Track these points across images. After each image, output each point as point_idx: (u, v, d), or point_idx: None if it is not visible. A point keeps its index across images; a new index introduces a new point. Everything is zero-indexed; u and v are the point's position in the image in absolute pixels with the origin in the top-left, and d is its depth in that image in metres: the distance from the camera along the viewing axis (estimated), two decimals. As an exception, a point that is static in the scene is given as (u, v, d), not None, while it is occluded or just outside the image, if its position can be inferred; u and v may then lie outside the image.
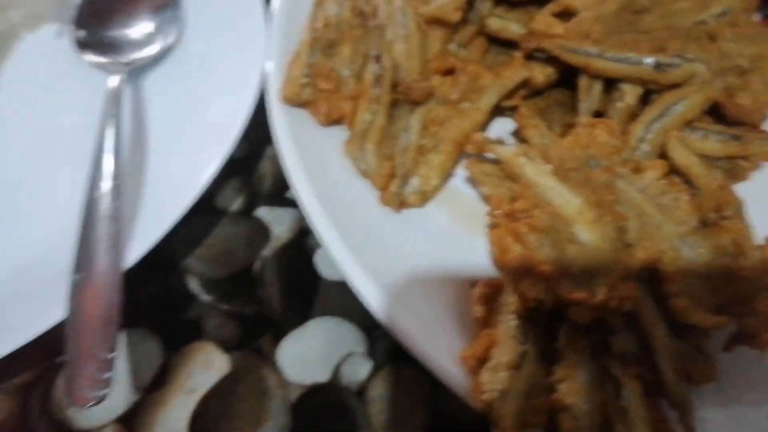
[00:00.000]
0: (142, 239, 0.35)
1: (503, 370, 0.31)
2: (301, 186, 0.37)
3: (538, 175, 0.36)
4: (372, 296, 0.34)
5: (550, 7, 0.43)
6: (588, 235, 0.34)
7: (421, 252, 0.39)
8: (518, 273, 0.33)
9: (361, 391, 0.36)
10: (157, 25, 0.46)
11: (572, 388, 0.31)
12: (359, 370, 0.37)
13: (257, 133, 0.39)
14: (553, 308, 0.33)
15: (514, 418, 0.30)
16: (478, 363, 0.32)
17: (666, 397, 0.33)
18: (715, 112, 0.41)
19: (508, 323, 0.33)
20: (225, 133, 0.39)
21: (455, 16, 0.42)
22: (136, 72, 0.45)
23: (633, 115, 0.40)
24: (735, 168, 0.40)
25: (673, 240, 0.35)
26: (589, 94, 0.41)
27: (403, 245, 0.39)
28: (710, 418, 0.34)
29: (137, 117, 0.43)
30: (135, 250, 0.35)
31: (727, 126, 0.40)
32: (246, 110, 0.40)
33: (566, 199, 0.35)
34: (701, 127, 0.40)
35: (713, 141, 0.40)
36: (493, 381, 0.31)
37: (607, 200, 0.35)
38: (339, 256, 0.35)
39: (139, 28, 0.45)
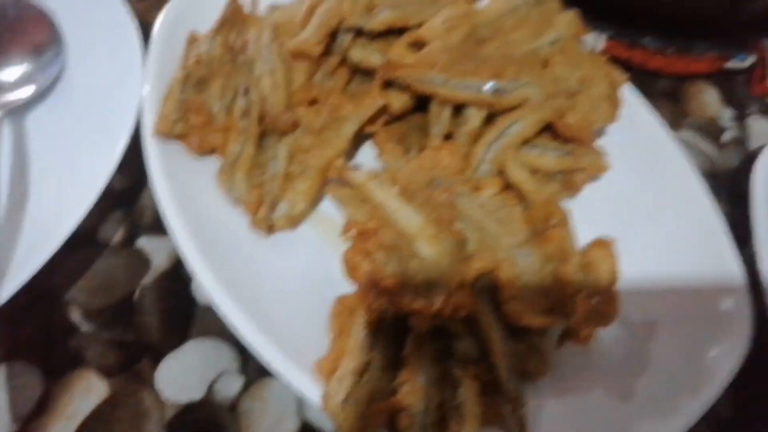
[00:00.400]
0: (16, 275, 0.37)
1: (348, 377, 0.34)
2: (170, 216, 0.40)
3: (385, 197, 0.39)
4: (235, 318, 0.37)
5: (405, 39, 0.46)
6: (428, 250, 0.37)
7: (292, 272, 0.43)
8: (366, 288, 0.37)
9: (233, 405, 0.39)
10: (35, 66, 0.48)
11: (411, 389, 0.35)
12: (232, 386, 0.40)
13: (139, 167, 0.41)
14: (401, 319, 0.37)
15: (353, 422, 0.33)
16: (330, 373, 0.36)
17: (501, 393, 0.37)
18: (554, 131, 0.45)
19: (357, 335, 0.36)
20: (100, 168, 0.42)
21: (317, 50, 0.45)
22: (17, 111, 0.47)
23: (478, 137, 0.44)
24: (570, 180, 0.45)
25: (509, 250, 0.40)
26: (439, 118, 0.45)
27: (273, 267, 0.42)
28: (546, 406, 0.39)
29: (17, 155, 0.45)
30: (9, 286, 0.37)
31: (563, 143, 0.45)
32: (120, 146, 0.42)
33: (409, 218, 0.38)
34: (539, 145, 0.44)
35: (549, 157, 0.44)
36: (338, 389, 0.34)
37: (446, 217, 0.39)
38: (205, 282, 0.38)
39: (14, 70, 0.47)
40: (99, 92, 0.47)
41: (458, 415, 0.35)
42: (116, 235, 0.45)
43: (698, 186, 0.45)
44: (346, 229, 0.39)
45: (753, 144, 0.55)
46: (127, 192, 0.47)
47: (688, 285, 0.42)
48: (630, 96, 0.49)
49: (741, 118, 0.57)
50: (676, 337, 0.40)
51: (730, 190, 0.51)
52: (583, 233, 0.43)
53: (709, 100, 0.58)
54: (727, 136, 0.55)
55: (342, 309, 0.38)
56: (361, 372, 0.35)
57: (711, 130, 0.56)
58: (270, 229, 0.43)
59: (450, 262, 0.37)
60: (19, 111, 0.47)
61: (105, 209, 0.46)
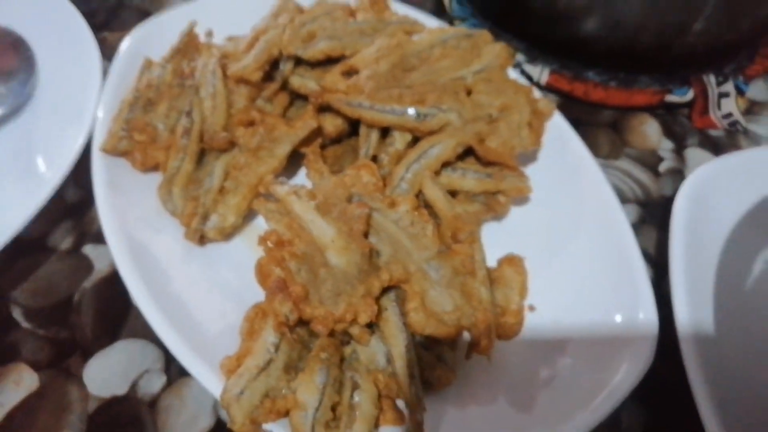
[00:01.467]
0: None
1: (246, 374, 0.37)
2: (107, 224, 0.43)
3: (303, 210, 0.42)
4: (155, 320, 0.39)
5: (339, 67, 0.50)
6: (337, 260, 0.40)
7: (218, 281, 0.45)
8: (273, 293, 0.39)
9: (153, 402, 0.41)
10: (7, 88, 0.53)
11: (306, 389, 0.37)
12: (154, 384, 0.42)
13: (90, 181, 0.45)
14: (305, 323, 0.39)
15: (245, 415, 0.35)
16: (232, 370, 0.38)
17: (402, 398, 0.39)
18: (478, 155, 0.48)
19: (264, 337, 0.39)
20: (48, 180, 0.45)
21: (256, 76, 0.49)
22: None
23: (401, 159, 0.47)
24: (492, 202, 0.47)
25: (420, 263, 0.42)
26: (367, 140, 0.48)
27: (201, 275, 0.45)
28: (447, 414, 0.40)
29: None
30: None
31: (485, 166, 0.47)
32: (69, 160, 0.46)
33: (322, 230, 0.41)
34: (460, 167, 0.47)
35: (470, 179, 0.47)
36: (235, 383, 0.36)
37: (357, 230, 0.41)
38: (131, 286, 0.41)
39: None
40: (61, 113, 0.51)
41: (351, 414, 0.37)
42: (64, 242, 0.49)
43: (618, 213, 0.47)
44: (264, 239, 0.41)
45: (689, 174, 0.56)
46: (79, 204, 0.51)
47: (598, 302, 0.44)
48: (561, 126, 0.52)
49: (680, 149, 0.58)
50: (583, 352, 0.41)
51: (662, 217, 0.53)
52: (501, 251, 0.45)
53: (649, 131, 0.59)
54: (664, 166, 0.57)
55: (255, 313, 0.40)
56: (260, 370, 0.37)
57: (649, 160, 0.57)
58: (201, 240, 0.45)
59: (357, 272, 0.39)
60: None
61: (56, 219, 0.50)
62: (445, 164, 0.46)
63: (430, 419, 0.37)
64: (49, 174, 0.46)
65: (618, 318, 0.42)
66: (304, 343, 0.39)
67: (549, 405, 0.39)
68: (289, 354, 0.38)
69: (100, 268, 0.47)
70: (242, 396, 0.35)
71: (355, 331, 0.39)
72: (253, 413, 0.35)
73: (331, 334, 0.38)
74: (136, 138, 0.47)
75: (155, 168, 0.48)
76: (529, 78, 0.61)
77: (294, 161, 0.49)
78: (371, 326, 0.39)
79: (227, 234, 0.46)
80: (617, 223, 0.46)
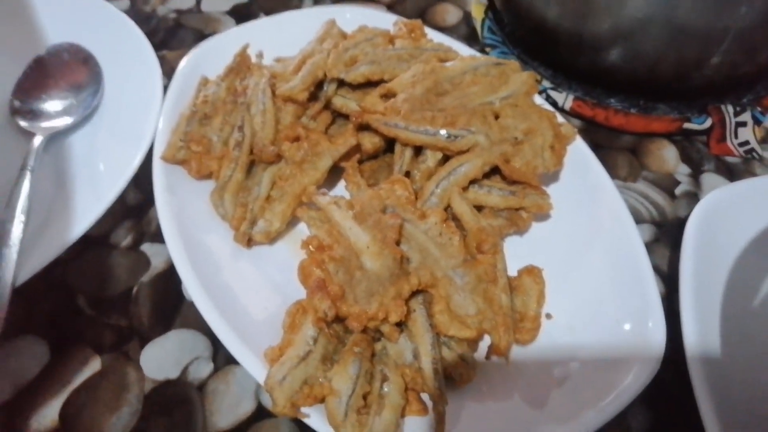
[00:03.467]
0: (35, 263, 0.46)
1: (288, 363, 0.41)
2: (166, 225, 0.48)
3: (341, 218, 0.46)
4: (208, 313, 0.44)
5: (378, 90, 0.55)
6: (371, 264, 0.44)
7: (263, 279, 0.50)
8: (314, 292, 0.43)
9: (202, 386, 0.46)
10: (77, 100, 0.58)
11: (341, 378, 0.41)
12: (203, 369, 0.47)
13: (150, 187, 0.50)
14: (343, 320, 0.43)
15: (286, 398, 0.40)
16: (275, 359, 0.42)
17: (426, 392, 0.43)
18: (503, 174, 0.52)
19: (304, 330, 0.43)
20: (113, 184, 0.51)
21: (302, 96, 0.54)
22: (58, 135, 0.57)
23: (432, 175, 0.51)
24: (515, 217, 0.51)
25: (446, 270, 0.46)
26: (401, 157, 0.52)
27: (248, 274, 0.50)
28: (467, 407, 0.44)
29: (52, 170, 0.55)
30: (27, 270, 0.45)
31: (509, 184, 0.52)
32: (132, 167, 0.51)
33: (358, 236, 0.45)
34: (486, 184, 0.51)
35: (495, 195, 0.51)
36: (278, 371, 0.41)
37: (390, 238, 0.45)
38: (187, 281, 0.46)
39: (59, 103, 0.57)
40: (124, 123, 0.57)
41: (381, 403, 0.41)
42: (125, 240, 0.54)
43: (633, 232, 0.50)
44: (306, 243, 0.46)
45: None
46: (139, 206, 0.56)
47: (611, 312, 0.47)
48: (582, 149, 0.55)
49: (696, 174, 0.61)
50: (595, 357, 0.45)
51: (675, 237, 0.56)
52: (522, 263, 0.49)
53: (667, 156, 0.63)
54: (680, 190, 0.60)
55: (297, 309, 0.45)
56: (300, 360, 0.41)
57: (666, 183, 0.61)
58: (249, 242, 0.50)
59: (389, 275, 0.44)
60: (59, 135, 0.57)
61: (118, 218, 0.55)
62: (473, 181, 0.50)
63: (451, 411, 0.41)
64: (113, 179, 0.51)
65: (628, 326, 0.45)
66: (340, 338, 0.43)
67: (560, 403, 0.43)
68: (326, 347, 0.42)
69: (156, 265, 0.52)
70: (284, 382, 0.40)
71: (385, 329, 0.43)
72: (294, 397, 0.39)
73: (364, 330, 0.43)
74: (193, 148, 0.52)
75: (209, 176, 0.53)
76: (554, 103, 0.65)
77: (334, 174, 0.53)
78: (400, 325, 0.43)
79: (272, 238, 0.50)
80: (631, 240, 0.49)
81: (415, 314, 0.44)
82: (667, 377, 0.43)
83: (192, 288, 0.45)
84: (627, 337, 0.45)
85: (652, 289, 0.46)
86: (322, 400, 0.40)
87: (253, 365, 0.42)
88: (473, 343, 0.46)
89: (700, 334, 0.44)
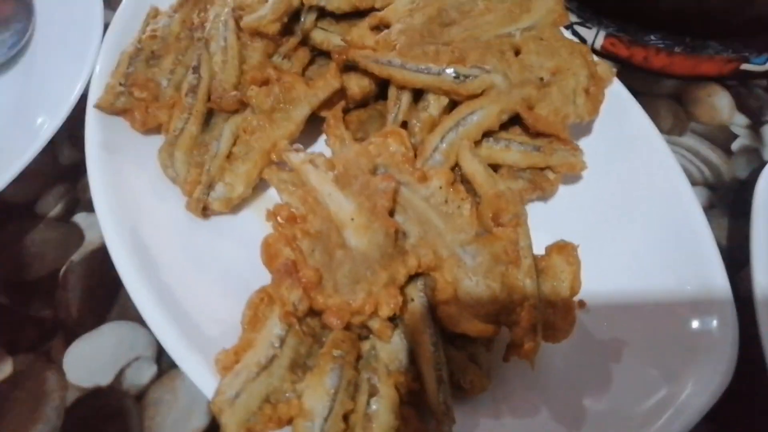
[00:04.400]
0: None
1: (245, 372, 0.31)
2: (96, 190, 0.38)
3: (319, 181, 0.36)
4: (140, 299, 0.34)
5: (368, 20, 0.44)
6: (356, 240, 0.34)
7: (222, 259, 0.40)
8: (281, 277, 0.33)
9: (141, 394, 0.36)
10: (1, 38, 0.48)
11: (315, 393, 0.31)
12: (143, 374, 0.37)
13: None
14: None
15: (238, 423, 0.30)
16: (229, 366, 0.32)
17: (427, 407, 0.33)
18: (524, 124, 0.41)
19: (268, 328, 0.33)
20: (37, 137, 0.40)
21: (273, 28, 0.43)
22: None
23: (435, 126, 0.40)
24: (540, 179, 0.41)
25: (454, 247, 0.36)
26: (397, 104, 0.41)
27: (203, 251, 0.40)
28: (480, 426, 0.34)
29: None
30: None
31: (532, 137, 0.41)
32: (59, 117, 0.41)
33: (340, 205, 0.35)
34: (504, 137, 0.41)
35: (515, 151, 0.40)
36: (231, 383, 0.31)
37: (381, 207, 0.35)
38: (116, 259, 0.36)
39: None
40: (58, 62, 0.46)
41: (367, 426, 0.31)
42: (54, 209, 0.44)
43: (687, 195, 0.40)
44: (272, 213, 0.36)
45: (768, 154, 0.49)
46: (74, 167, 0.46)
47: (663, 302, 0.37)
48: (621, 94, 0.45)
49: (756, 125, 0.51)
50: (643, 361, 0.35)
51: (734, 202, 0.46)
52: (548, 236, 0.38)
53: (719, 104, 0.52)
54: (737, 145, 0.50)
55: (260, 299, 0.35)
56: (262, 368, 0.31)
57: (719, 138, 0.50)
58: (205, 211, 0.40)
59: (380, 255, 0.34)
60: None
61: (47, 182, 0.45)
62: (487, 134, 0.40)
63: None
64: (42, 127, 0.41)
65: (687, 322, 0.36)
66: (315, 337, 0.34)
67: (599, 422, 0.33)
68: (297, 349, 0.33)
69: (91, 239, 0.42)
70: (237, 400, 0.30)
71: (375, 324, 0.33)
72: (250, 421, 0.30)
73: (347, 327, 0.33)
74: (136, 95, 0.42)
75: (156, 129, 0.42)
76: (582, 41, 0.53)
77: (313, 126, 0.43)
78: (394, 320, 0.34)
79: (234, 206, 0.40)
80: (687, 208, 0.40)
81: (413, 305, 0.35)
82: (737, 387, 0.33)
83: (124, 269, 0.35)
84: (686, 334, 0.35)
85: (718, 272, 0.36)
86: (289, 423, 0.30)
87: (200, 374, 0.32)
88: (488, 341, 0.35)
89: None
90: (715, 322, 0.35)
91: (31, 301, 0.39)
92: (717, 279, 0.36)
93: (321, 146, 0.44)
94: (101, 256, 0.41)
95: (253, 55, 0.44)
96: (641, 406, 0.33)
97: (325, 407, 0.30)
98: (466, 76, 0.39)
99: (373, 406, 0.32)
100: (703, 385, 0.33)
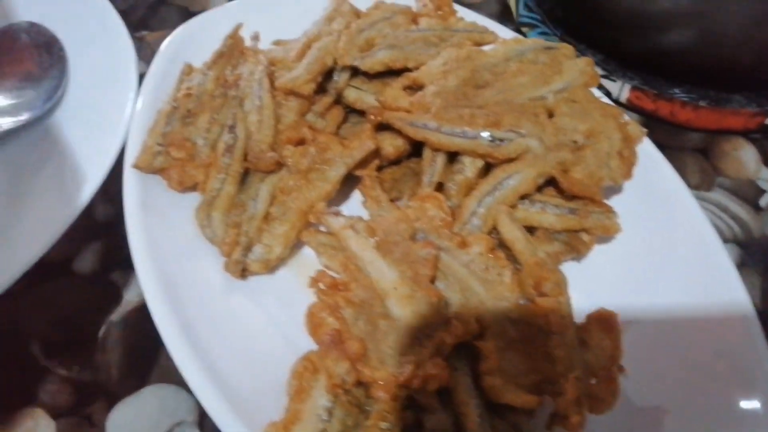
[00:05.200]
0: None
1: (294, 448, 0.31)
2: (136, 249, 0.38)
3: (360, 247, 0.37)
4: (185, 366, 0.34)
5: (401, 81, 0.44)
6: (399, 310, 0.34)
7: (262, 321, 0.40)
8: (328, 348, 0.34)
9: (185, 461, 0.36)
10: (37, 90, 0.48)
11: (364, 468, 0.31)
12: (186, 439, 0.37)
13: (122, 198, 0.40)
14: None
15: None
16: (279, 440, 0.32)
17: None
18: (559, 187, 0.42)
19: (316, 399, 0.33)
20: (76, 196, 0.40)
21: (308, 88, 0.43)
22: (9, 135, 0.46)
23: (471, 189, 0.41)
24: (574, 241, 0.41)
25: (497, 316, 0.36)
26: (431, 166, 0.42)
27: (242, 314, 0.40)
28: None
29: (2, 178, 0.44)
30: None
31: (566, 199, 0.41)
32: (100, 176, 0.41)
33: (383, 273, 0.35)
34: (539, 200, 0.41)
35: (550, 214, 0.41)
36: (283, 459, 0.31)
37: (423, 275, 0.35)
38: (159, 322, 0.36)
39: (13, 93, 0.47)
40: (91, 121, 0.46)
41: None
42: (91, 266, 0.44)
43: (720, 254, 0.40)
44: (315, 280, 0.36)
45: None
46: (109, 223, 0.46)
47: (702, 369, 0.37)
48: (650, 152, 0.45)
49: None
50: (687, 426, 0.35)
51: (766, 259, 0.46)
52: (582, 296, 0.39)
53: (746, 158, 0.53)
54: (766, 200, 0.50)
55: (305, 367, 0.35)
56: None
57: (747, 193, 0.51)
58: (243, 272, 0.40)
59: (425, 325, 0.34)
60: (9, 136, 0.46)
61: (83, 239, 0.45)
62: (522, 196, 0.40)
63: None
64: (77, 190, 0.41)
65: (728, 379, 0.36)
66: (360, 407, 0.33)
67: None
68: (344, 421, 0.33)
69: (129, 299, 0.42)
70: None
71: (422, 397, 0.33)
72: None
73: (393, 398, 0.33)
74: (174, 154, 0.42)
75: (193, 188, 0.43)
76: (608, 95, 0.54)
77: (348, 186, 0.43)
78: (439, 391, 0.33)
79: (271, 266, 0.40)
80: (720, 266, 0.40)
81: (457, 374, 0.34)
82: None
83: (166, 332, 0.35)
84: (730, 401, 0.35)
85: (756, 333, 0.36)
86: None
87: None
88: (531, 410, 0.35)
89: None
90: (758, 400, 0.35)
91: (71, 362, 0.39)
92: (758, 344, 0.36)
93: (355, 206, 0.44)
94: (140, 315, 0.41)
95: (287, 114, 0.44)
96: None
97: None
98: (502, 140, 0.40)
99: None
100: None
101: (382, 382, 0.32)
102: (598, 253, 0.43)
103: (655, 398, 0.36)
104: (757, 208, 0.50)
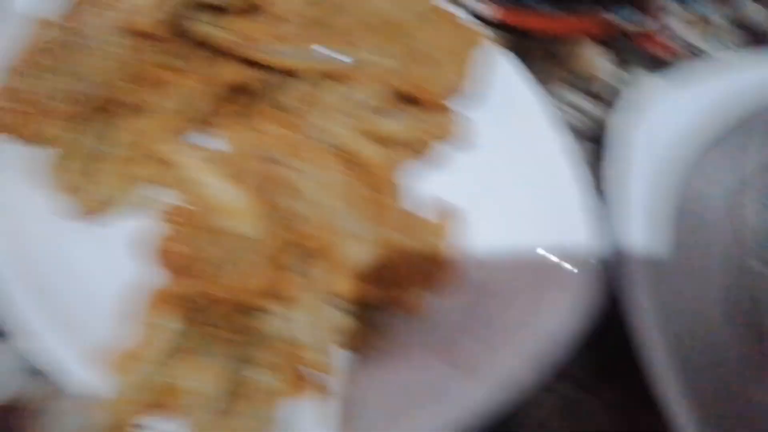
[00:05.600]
0: None
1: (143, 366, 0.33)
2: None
3: (207, 174, 0.38)
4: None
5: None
6: (249, 229, 0.36)
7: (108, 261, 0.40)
8: (180, 274, 0.35)
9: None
10: None
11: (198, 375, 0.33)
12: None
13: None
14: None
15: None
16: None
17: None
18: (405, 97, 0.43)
19: (168, 324, 0.35)
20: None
21: (158, 27, 0.43)
22: None
23: (321, 106, 0.42)
24: (418, 145, 0.43)
25: (345, 224, 0.38)
26: (281, 87, 0.43)
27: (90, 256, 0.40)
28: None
29: None
30: None
31: (413, 106, 0.43)
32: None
33: (232, 195, 0.37)
34: (382, 110, 0.43)
35: (393, 122, 0.42)
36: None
37: (268, 189, 0.37)
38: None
39: None
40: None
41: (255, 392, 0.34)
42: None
43: (562, 157, 0.44)
44: (166, 213, 0.37)
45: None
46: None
47: (532, 254, 0.41)
48: (502, 59, 0.47)
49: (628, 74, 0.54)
50: (514, 305, 0.39)
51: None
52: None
53: (593, 57, 0.55)
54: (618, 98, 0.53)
55: (157, 297, 0.36)
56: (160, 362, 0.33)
57: (602, 92, 0.54)
58: (91, 212, 0.41)
59: (273, 240, 0.36)
60: None
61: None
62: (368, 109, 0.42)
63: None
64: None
65: (555, 266, 0.40)
66: (212, 325, 0.35)
67: (481, 358, 0.37)
68: (198, 341, 0.35)
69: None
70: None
71: (270, 305, 0.35)
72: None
73: (243, 310, 0.35)
74: (19, 108, 0.42)
75: (43, 142, 0.42)
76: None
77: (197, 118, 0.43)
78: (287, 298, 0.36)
79: (117, 206, 0.41)
80: (561, 168, 0.44)
81: (309, 282, 0.36)
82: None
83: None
84: (552, 280, 0.39)
85: (583, 228, 0.40)
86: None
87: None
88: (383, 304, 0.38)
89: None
90: (577, 272, 0.39)
91: None
92: (583, 235, 0.41)
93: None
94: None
95: (133, 54, 0.44)
96: (514, 335, 0.37)
97: (208, 387, 0.33)
98: (354, 59, 0.41)
99: (257, 377, 0.34)
100: (561, 323, 0.37)
101: (232, 294, 0.34)
102: (455, 159, 0.45)
103: (487, 282, 0.40)
104: (610, 105, 0.53)
